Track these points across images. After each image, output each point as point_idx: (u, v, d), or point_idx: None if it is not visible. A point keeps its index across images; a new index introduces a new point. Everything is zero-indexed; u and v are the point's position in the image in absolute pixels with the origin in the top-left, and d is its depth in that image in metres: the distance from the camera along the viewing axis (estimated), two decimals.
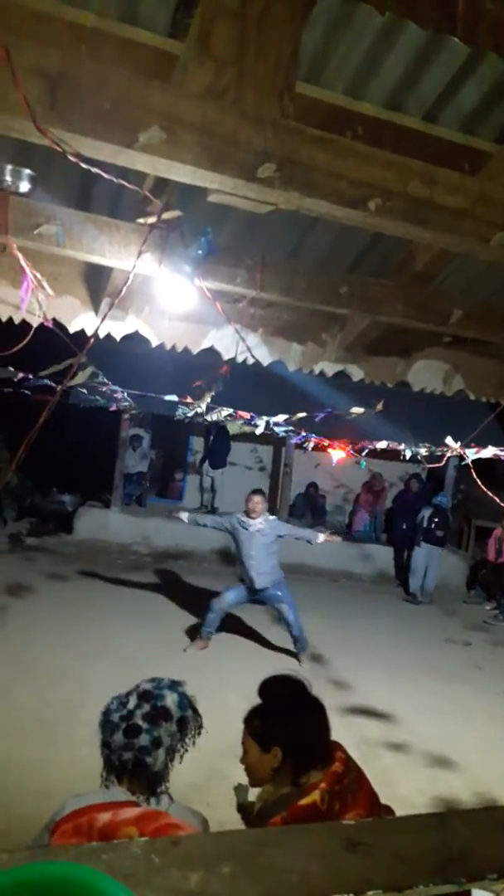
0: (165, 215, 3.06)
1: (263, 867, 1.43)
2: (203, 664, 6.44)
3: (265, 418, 4.78)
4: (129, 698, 1.96)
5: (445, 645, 8.53)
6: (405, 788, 4.63)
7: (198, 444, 13.69)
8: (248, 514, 6.74)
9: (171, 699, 1.95)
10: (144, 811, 1.77)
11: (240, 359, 4.55)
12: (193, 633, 7.20)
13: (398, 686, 6.72)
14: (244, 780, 3.87)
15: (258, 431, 4.87)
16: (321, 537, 6.92)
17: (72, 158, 2.44)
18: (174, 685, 2.00)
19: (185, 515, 7.13)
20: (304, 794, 1.81)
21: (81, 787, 2.02)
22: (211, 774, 4.17)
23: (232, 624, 7.65)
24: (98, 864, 1.34)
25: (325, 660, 7.14)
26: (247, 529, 6.70)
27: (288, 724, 2.03)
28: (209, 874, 1.38)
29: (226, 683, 5.47)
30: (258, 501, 6.70)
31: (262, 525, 6.70)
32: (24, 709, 5.22)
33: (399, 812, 1.94)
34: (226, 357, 4.59)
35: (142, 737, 1.87)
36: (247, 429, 4.98)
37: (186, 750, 1.97)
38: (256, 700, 2.15)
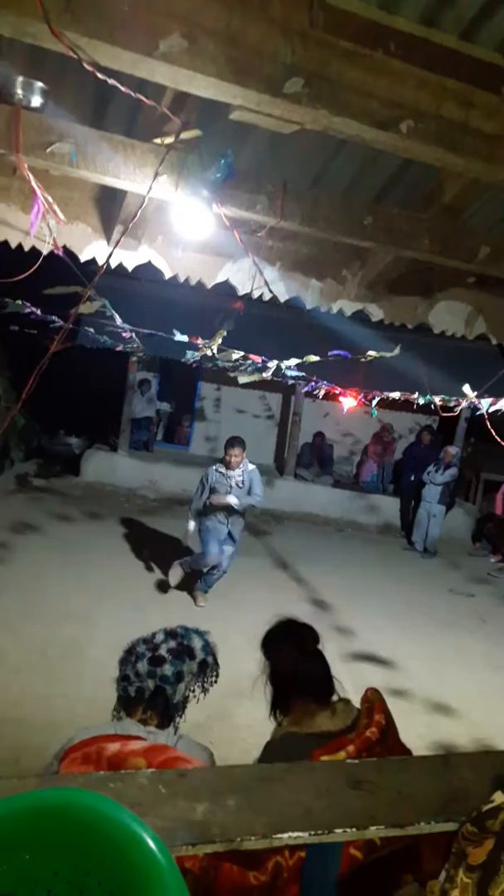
0: (184, 135, 2.91)
1: (268, 800, 1.42)
2: (212, 606, 6.49)
3: (276, 362, 4.65)
4: (155, 635, 2.03)
5: (449, 596, 8.55)
6: (405, 733, 4.57)
7: (206, 389, 13.56)
8: (227, 466, 6.44)
9: (196, 641, 2.02)
10: (153, 744, 1.79)
11: (255, 294, 4.39)
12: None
13: (401, 634, 6.76)
14: (246, 720, 3.91)
15: (266, 375, 4.74)
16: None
17: (88, 67, 2.29)
18: (200, 632, 2.08)
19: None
20: (328, 748, 1.77)
21: (87, 721, 2.04)
22: (213, 714, 4.20)
23: (242, 574, 7.67)
24: (106, 792, 1.31)
25: (329, 606, 7.17)
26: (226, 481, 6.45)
27: (271, 663, 2.08)
28: (215, 805, 1.37)
29: (233, 628, 5.49)
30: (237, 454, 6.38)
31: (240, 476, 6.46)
32: (32, 645, 5.26)
33: None
34: (241, 293, 4.43)
35: (165, 666, 1.93)
36: (256, 377, 4.86)
37: (203, 693, 2.02)
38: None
